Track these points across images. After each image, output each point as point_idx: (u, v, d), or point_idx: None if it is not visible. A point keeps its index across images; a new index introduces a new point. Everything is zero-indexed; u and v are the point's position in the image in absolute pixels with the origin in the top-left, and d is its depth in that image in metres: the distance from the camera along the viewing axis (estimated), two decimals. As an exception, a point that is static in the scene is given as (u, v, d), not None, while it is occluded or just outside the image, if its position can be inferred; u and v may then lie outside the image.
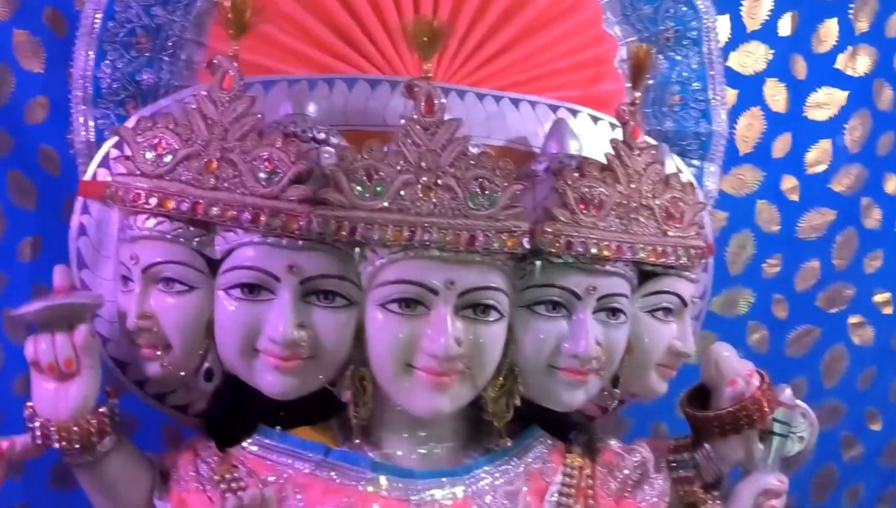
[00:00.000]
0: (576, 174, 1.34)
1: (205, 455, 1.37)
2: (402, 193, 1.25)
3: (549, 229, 1.31)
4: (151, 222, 1.29)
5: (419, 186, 1.26)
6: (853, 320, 2.03)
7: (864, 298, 2.03)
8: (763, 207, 1.96)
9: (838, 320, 2.02)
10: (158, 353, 1.31)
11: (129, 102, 1.48)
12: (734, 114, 1.89)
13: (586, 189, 1.34)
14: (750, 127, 1.94)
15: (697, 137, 1.68)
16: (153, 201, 1.27)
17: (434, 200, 1.26)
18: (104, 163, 1.39)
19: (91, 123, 1.46)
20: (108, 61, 1.46)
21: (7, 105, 1.61)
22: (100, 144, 1.44)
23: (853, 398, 2.05)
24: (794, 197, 1.96)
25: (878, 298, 2.04)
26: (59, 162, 1.62)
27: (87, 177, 1.39)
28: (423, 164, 1.26)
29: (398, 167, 1.25)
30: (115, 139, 1.38)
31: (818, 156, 1.97)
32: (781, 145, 1.96)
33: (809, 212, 1.97)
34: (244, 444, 1.37)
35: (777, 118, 1.95)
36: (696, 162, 1.68)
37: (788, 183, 1.96)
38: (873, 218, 2.01)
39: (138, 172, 1.28)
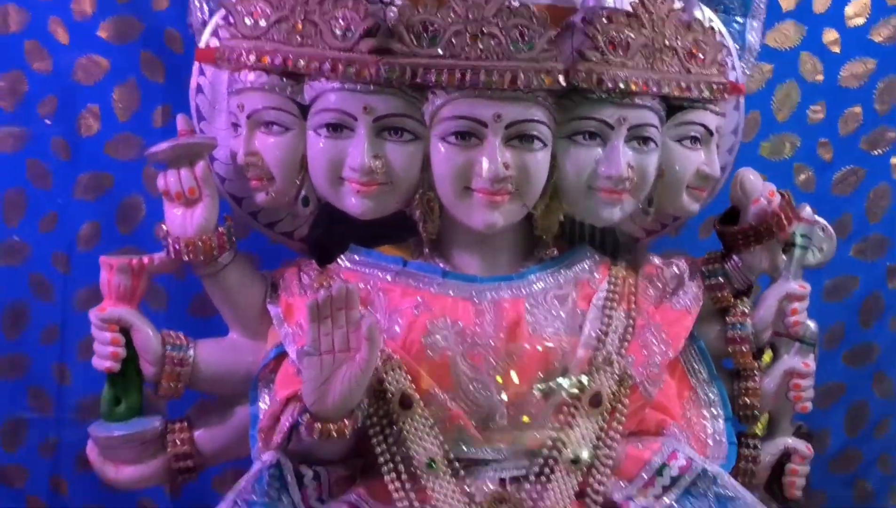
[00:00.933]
0: (605, 20, 1.56)
1: (307, 269, 1.67)
2: (453, 41, 1.51)
3: (582, 68, 1.54)
4: (252, 76, 1.58)
5: (467, 34, 1.50)
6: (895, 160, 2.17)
7: None
8: (806, 58, 2.10)
9: (881, 161, 2.14)
10: (265, 183, 1.62)
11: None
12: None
13: (614, 33, 1.56)
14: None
15: (741, -1, 1.87)
16: (252, 57, 1.56)
17: (481, 46, 1.51)
18: (214, 33, 1.67)
19: (205, 6, 1.75)
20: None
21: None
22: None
23: None
24: (836, 49, 2.10)
25: None
26: (182, 41, 1.93)
27: (202, 45, 1.69)
28: (470, 15, 1.50)
29: (449, 20, 1.51)
30: (221, 13, 1.66)
31: (857, 9, 2.09)
32: (822, 1, 2.10)
33: (851, 62, 2.11)
34: (339, 260, 1.67)
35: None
36: (739, 19, 1.85)
37: (830, 36, 2.10)
38: None
39: (240, 36, 1.58)
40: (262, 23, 1.55)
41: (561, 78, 1.53)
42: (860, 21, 2.10)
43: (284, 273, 1.68)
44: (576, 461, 1.55)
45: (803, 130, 2.13)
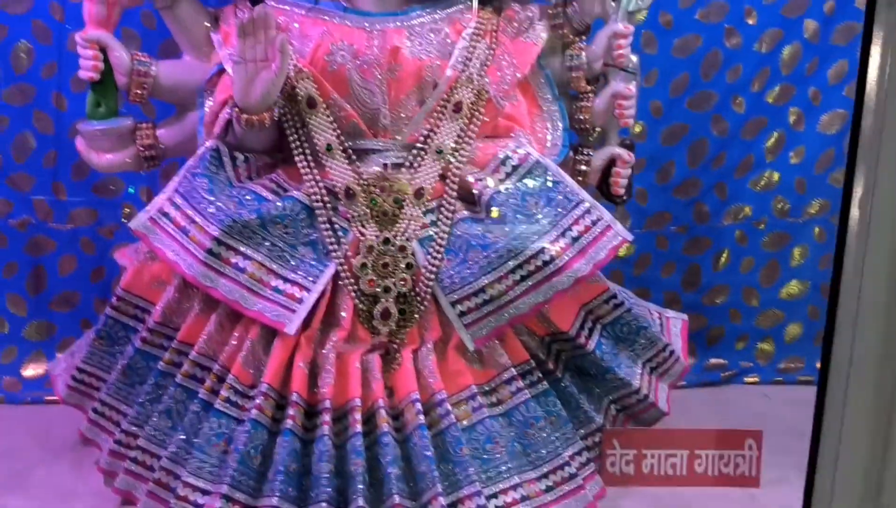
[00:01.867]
0: None
1: (242, 7, 2.15)
2: None
3: None
4: None
5: None
6: None
7: None
8: None
9: None
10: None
11: None
12: None
13: None
14: None
15: None
16: None
17: None
18: None
19: None
20: None
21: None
22: None
23: (734, 0, 2.57)
24: None
25: None
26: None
27: None
28: None
29: None
30: None
31: None
32: None
33: None
34: (267, 1, 2.14)
35: None
36: None
37: None
38: None
39: None
40: None
41: None
42: None
43: (224, 10, 2.18)
44: (440, 151, 2.08)
45: None
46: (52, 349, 2.60)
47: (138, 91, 2.13)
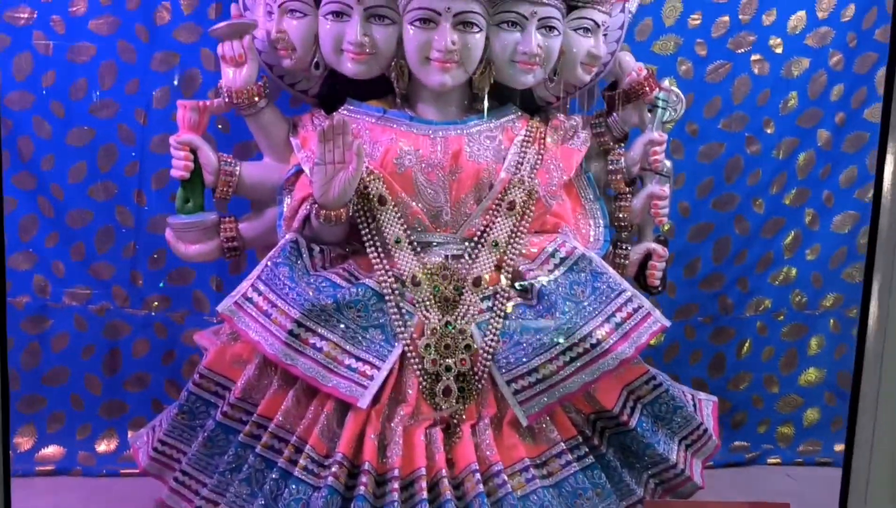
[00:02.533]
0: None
1: (317, 115, 2.40)
2: None
3: (508, -22, 2.27)
4: None
5: None
6: (755, 57, 2.80)
7: (762, 42, 2.79)
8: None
9: (743, 57, 2.80)
10: (289, 53, 2.34)
11: None
12: None
13: None
14: None
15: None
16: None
17: None
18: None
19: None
20: None
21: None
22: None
23: (753, 110, 2.83)
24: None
25: (772, 42, 2.79)
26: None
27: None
28: None
29: None
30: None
31: None
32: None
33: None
34: (339, 110, 2.39)
35: None
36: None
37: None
38: None
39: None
40: None
41: (493, -18, 2.26)
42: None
43: (302, 117, 2.43)
44: (496, 244, 2.30)
45: (684, 33, 2.78)
46: (124, 426, 2.80)
47: (224, 189, 2.37)
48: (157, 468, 2.36)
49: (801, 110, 2.85)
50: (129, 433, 2.72)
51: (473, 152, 2.33)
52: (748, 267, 2.94)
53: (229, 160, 2.38)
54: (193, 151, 2.34)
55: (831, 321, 2.98)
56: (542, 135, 2.42)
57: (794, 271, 2.95)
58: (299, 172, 2.34)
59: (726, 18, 2.79)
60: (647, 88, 2.41)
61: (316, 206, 2.21)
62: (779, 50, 2.81)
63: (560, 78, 2.43)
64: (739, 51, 2.81)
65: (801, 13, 2.79)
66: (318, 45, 2.32)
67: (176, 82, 2.67)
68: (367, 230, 2.29)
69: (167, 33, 2.66)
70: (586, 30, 2.38)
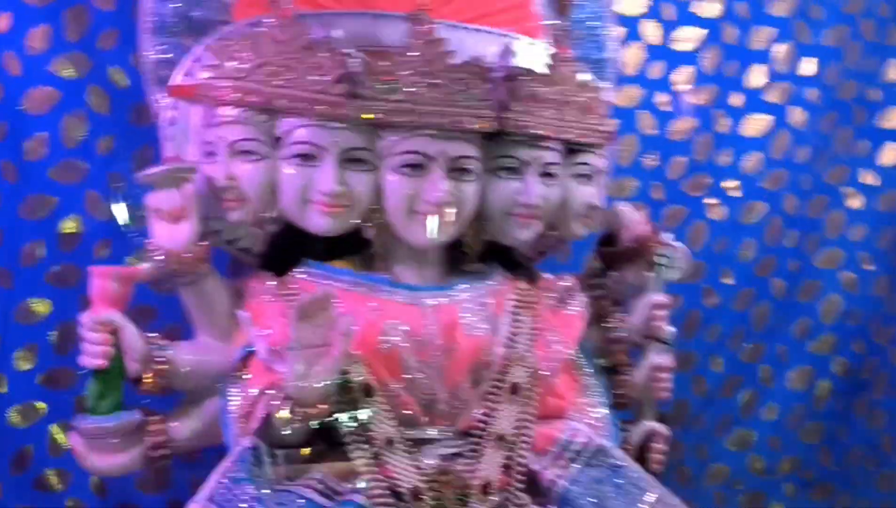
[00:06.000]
0: (524, 78, 1.92)
1: (267, 281, 1.91)
2: (410, 89, 1.82)
3: (509, 116, 1.89)
4: (234, 111, 1.82)
5: (422, 84, 1.82)
6: (710, 201, 2.62)
7: (717, 184, 2.61)
8: (643, 115, 2.55)
9: (698, 201, 2.61)
10: (240, 204, 1.85)
11: (182, 34, 2.01)
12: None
13: (532, 88, 1.91)
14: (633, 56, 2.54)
15: (597, 63, 2.28)
16: (236, 96, 1.80)
17: (431, 94, 1.83)
18: (186, 72, 1.91)
19: (154, 50, 1.98)
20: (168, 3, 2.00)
21: (85, 36, 2.12)
22: (159, 66, 1.97)
23: (711, 259, 2.64)
24: (668, 108, 2.55)
25: (728, 184, 2.62)
26: (128, 79, 2.14)
27: (174, 83, 1.92)
28: (424, 69, 1.82)
29: (407, 72, 1.82)
30: (193, 55, 1.90)
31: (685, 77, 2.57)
32: (657, 69, 2.55)
33: (676, 120, 2.57)
34: (295, 273, 1.92)
35: (652, 49, 2.55)
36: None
37: (661, 98, 2.56)
38: (723, 125, 2.59)
39: (223, 77, 1.82)
40: (246, 66, 1.81)
41: (492, 123, 1.87)
42: (686, 87, 2.57)
43: (250, 283, 1.93)
44: (501, 438, 1.88)
45: (640, 175, 2.55)
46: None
47: (155, 381, 1.82)
48: None
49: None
50: None
51: (470, 325, 1.91)
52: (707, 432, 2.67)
53: (160, 342, 1.85)
54: (113, 331, 1.79)
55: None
56: (534, 299, 2.04)
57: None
58: (251, 354, 1.83)
59: (683, 159, 2.57)
60: (653, 245, 2.09)
61: (291, 402, 1.72)
62: (736, 194, 2.60)
63: (556, 233, 2.08)
64: (695, 194, 2.59)
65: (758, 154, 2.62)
66: (276, 194, 1.86)
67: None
68: (351, 429, 1.81)
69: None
70: (586, 177, 2.04)
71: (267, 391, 1.75)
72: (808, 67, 2.64)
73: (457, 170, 1.86)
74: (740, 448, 2.71)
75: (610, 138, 2.07)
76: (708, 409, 2.67)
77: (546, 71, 1.93)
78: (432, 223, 1.86)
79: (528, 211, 1.94)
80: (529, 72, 1.92)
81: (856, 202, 2.72)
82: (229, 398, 1.83)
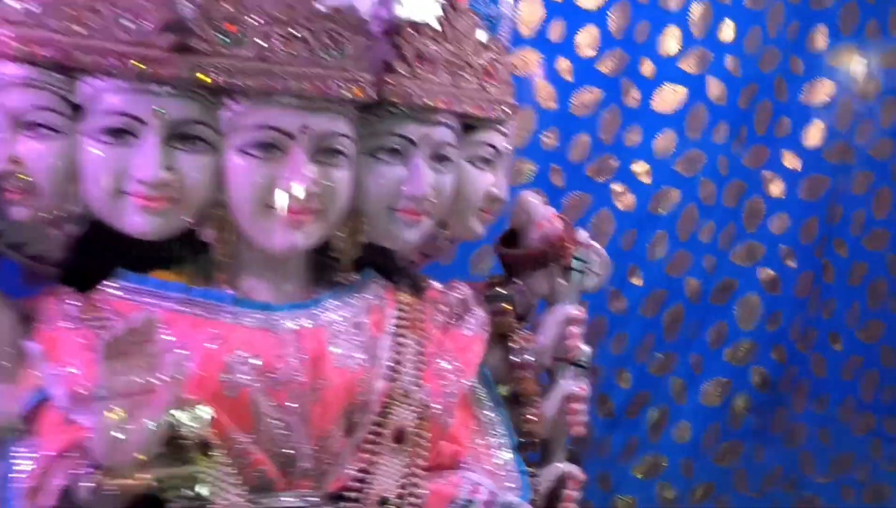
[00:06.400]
0: (411, 32, 1.49)
1: (67, 299, 1.45)
2: (260, 42, 1.37)
3: (391, 81, 1.46)
4: (16, 69, 1.34)
5: (276, 36, 1.37)
6: (617, 187, 2.32)
7: (625, 167, 2.31)
8: (542, 85, 2.19)
9: (604, 187, 2.30)
10: (25, 197, 1.38)
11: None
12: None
13: (422, 46, 1.50)
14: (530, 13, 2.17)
15: (488, 19, 1.88)
16: (21, 48, 1.33)
17: (290, 50, 1.38)
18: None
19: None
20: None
21: None
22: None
23: (618, 256, 2.26)
24: (569, 77, 2.20)
25: (637, 167, 2.32)
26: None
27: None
28: (280, 15, 1.37)
29: (256, 18, 1.36)
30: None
31: (588, 40, 2.23)
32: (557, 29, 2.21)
33: (580, 90, 2.22)
34: (106, 288, 1.45)
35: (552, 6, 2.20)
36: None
37: (563, 64, 2.20)
38: (632, 97, 2.29)
39: (2, 21, 1.33)
40: (34, 7, 1.32)
41: (370, 90, 1.44)
42: (591, 52, 2.20)
43: (40, 303, 1.44)
44: (384, 502, 1.46)
45: (538, 156, 2.20)
46: None
47: None
48: None
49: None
50: None
51: (342, 355, 1.48)
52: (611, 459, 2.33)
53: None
54: None
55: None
56: (421, 317, 1.62)
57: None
58: (44, 401, 1.37)
59: (586, 138, 2.23)
60: (568, 246, 1.70)
61: (101, 471, 1.26)
62: (646, 180, 2.26)
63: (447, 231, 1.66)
64: (599, 179, 2.24)
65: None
66: (78, 184, 1.38)
67: None
68: (183, 502, 1.35)
69: None
70: (485, 160, 1.63)
71: (67, 454, 1.31)
72: (727, 31, 2.38)
73: (324, 151, 1.43)
74: (648, 475, 2.45)
75: (514, 112, 1.66)
76: (613, 432, 2.41)
77: (438, 25, 1.52)
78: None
79: (417, 205, 1.52)
80: (417, 25, 1.50)
81: (776, 189, 2.43)
82: (14, 462, 1.37)
